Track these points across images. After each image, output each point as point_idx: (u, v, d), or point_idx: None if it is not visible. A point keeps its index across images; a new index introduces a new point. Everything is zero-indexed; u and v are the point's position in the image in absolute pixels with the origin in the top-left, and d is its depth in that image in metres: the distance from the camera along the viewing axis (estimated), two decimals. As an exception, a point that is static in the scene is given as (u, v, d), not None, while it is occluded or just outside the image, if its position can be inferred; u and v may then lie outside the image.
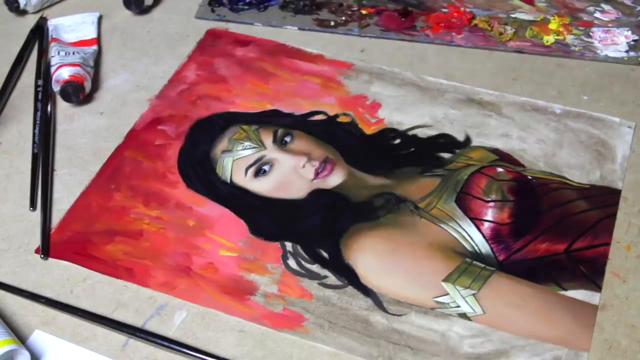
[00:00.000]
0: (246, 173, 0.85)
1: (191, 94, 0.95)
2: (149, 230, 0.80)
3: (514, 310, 0.73)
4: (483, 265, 0.76)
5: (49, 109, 0.93)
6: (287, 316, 0.73)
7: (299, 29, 1.03)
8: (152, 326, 0.73)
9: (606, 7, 1.05)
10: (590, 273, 0.76)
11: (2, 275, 0.77)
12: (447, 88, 0.94)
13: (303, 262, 0.77)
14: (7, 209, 0.83)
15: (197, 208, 0.82)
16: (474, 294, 0.74)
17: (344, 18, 1.05)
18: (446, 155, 0.87)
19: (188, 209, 0.82)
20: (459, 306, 0.73)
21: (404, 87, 0.95)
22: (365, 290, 0.75)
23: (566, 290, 0.75)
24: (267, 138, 0.87)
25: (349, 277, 0.76)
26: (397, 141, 0.89)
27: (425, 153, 0.87)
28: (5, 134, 0.91)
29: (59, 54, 0.96)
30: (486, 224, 0.80)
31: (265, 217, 0.81)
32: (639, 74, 0.96)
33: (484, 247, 0.78)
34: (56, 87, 0.93)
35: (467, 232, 0.79)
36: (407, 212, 0.81)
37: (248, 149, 0.86)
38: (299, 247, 0.78)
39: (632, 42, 1.00)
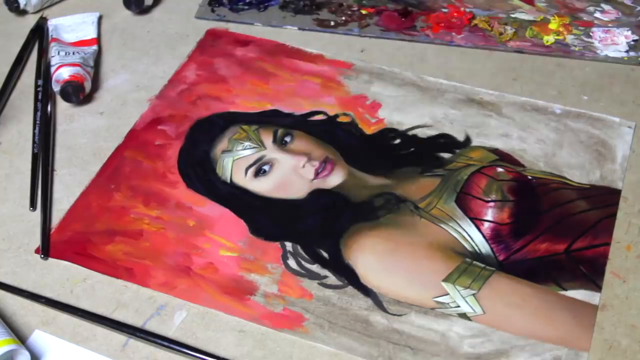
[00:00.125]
0: (246, 173, 0.85)
1: (191, 94, 0.95)
2: (149, 230, 0.80)
3: (514, 310, 0.73)
4: (483, 265, 0.76)
5: (49, 109, 0.93)
6: (287, 316, 0.73)
7: (299, 29, 1.04)
8: (152, 326, 0.73)
9: (606, 7, 1.05)
10: (590, 273, 0.76)
11: (2, 275, 0.77)
12: (447, 88, 0.94)
13: (303, 262, 0.77)
14: (7, 209, 0.83)
15: (197, 208, 0.82)
16: (474, 294, 0.74)
17: (344, 18, 1.05)
18: (446, 155, 0.87)
19: (188, 209, 0.82)
20: (459, 306, 0.73)
21: (404, 87, 0.95)
22: (365, 290, 0.75)
23: (566, 290, 0.75)
24: (267, 138, 0.87)
25: (349, 277, 0.76)
26: (397, 141, 0.89)
27: (425, 153, 0.87)
28: (5, 134, 0.91)
29: (59, 54, 0.96)
30: (486, 224, 0.80)
31: (265, 217, 0.81)
32: (639, 74, 0.96)
33: (484, 247, 0.78)
34: (56, 87, 0.93)
35: (467, 232, 0.79)
36: (407, 212, 0.81)
37: (248, 149, 0.86)
38: (299, 247, 0.78)
39: (632, 42, 1.00)
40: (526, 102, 0.93)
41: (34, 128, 0.89)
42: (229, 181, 0.85)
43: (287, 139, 0.87)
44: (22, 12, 1.06)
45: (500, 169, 0.85)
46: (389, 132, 0.90)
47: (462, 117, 0.91)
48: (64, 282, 0.76)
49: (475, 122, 0.90)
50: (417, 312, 0.73)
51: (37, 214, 0.82)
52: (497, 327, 0.72)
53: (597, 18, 1.03)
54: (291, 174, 0.84)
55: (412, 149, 0.88)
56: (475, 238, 0.78)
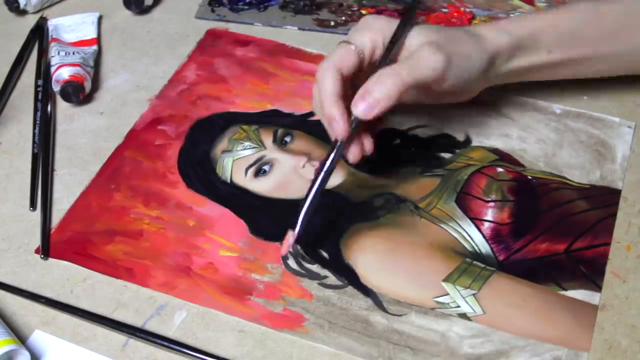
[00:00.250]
0: (246, 173, 0.85)
1: (191, 94, 0.95)
2: (149, 230, 0.80)
3: (514, 310, 0.73)
4: (483, 265, 0.76)
5: (49, 109, 0.93)
6: (287, 316, 0.73)
7: (299, 29, 1.04)
8: (152, 326, 0.73)
9: (606, 7, 1.05)
10: (590, 273, 0.76)
11: (2, 275, 0.77)
12: (447, 88, 0.94)
13: (303, 262, 0.77)
14: (7, 209, 0.83)
15: (197, 208, 0.82)
16: (474, 294, 0.74)
17: (344, 18, 1.05)
18: (446, 155, 0.87)
19: (188, 209, 0.82)
20: (459, 306, 0.73)
21: (404, 87, 0.95)
22: (365, 290, 0.75)
23: (566, 290, 0.75)
24: (267, 138, 0.87)
25: (349, 277, 0.76)
26: (397, 141, 0.89)
27: (425, 153, 0.87)
28: (5, 134, 0.91)
29: (59, 54, 0.96)
30: (486, 224, 0.80)
31: (265, 217, 0.81)
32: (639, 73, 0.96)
33: (484, 247, 0.78)
34: (56, 87, 0.93)
35: (467, 232, 0.79)
36: (407, 212, 0.81)
37: (248, 149, 0.86)
38: (299, 247, 0.78)
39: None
40: (526, 102, 0.93)
41: (34, 128, 0.89)
42: (229, 181, 0.85)
43: (287, 139, 0.87)
44: (22, 12, 1.06)
45: (500, 169, 0.85)
46: (389, 132, 0.90)
47: (462, 117, 0.91)
48: (64, 282, 0.76)
49: (475, 122, 0.90)
50: (417, 312, 0.73)
51: (37, 214, 0.82)
52: (497, 327, 0.72)
53: (597, 18, 1.03)
54: (291, 174, 0.84)
55: (412, 149, 0.88)
56: (475, 238, 0.78)
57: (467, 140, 0.89)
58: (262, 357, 0.70)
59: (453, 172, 0.85)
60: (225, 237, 0.80)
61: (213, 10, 1.06)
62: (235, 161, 0.86)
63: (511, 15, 1.04)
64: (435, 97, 0.81)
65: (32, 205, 0.83)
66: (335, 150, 0.74)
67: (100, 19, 1.05)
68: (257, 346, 0.71)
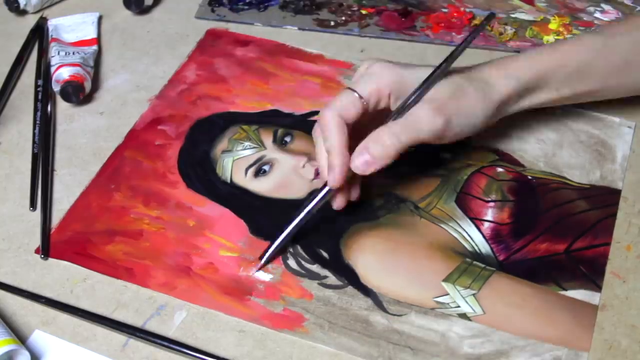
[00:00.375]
0: (246, 173, 0.85)
1: (191, 94, 0.95)
2: (149, 230, 0.80)
3: (514, 310, 0.73)
4: (483, 265, 0.76)
5: (49, 109, 0.93)
6: (287, 316, 0.73)
7: (299, 29, 1.04)
8: (152, 326, 0.73)
9: (606, 7, 1.05)
10: (590, 273, 0.76)
11: (2, 275, 0.77)
12: (447, 88, 0.94)
13: (303, 262, 0.77)
14: (7, 209, 0.83)
15: (197, 208, 0.82)
16: (474, 294, 0.74)
17: (344, 18, 1.05)
18: (446, 155, 0.87)
19: (188, 209, 0.82)
20: (459, 306, 0.73)
21: (404, 87, 0.95)
22: (365, 290, 0.75)
23: (566, 290, 0.75)
24: (267, 138, 0.87)
25: (349, 277, 0.76)
26: (397, 141, 0.89)
27: (425, 153, 0.87)
28: (5, 134, 0.91)
29: (59, 54, 0.96)
30: (486, 224, 0.80)
31: (266, 217, 0.81)
32: (639, 74, 0.96)
33: (484, 247, 0.78)
34: (56, 87, 0.93)
35: (467, 232, 0.79)
36: (407, 212, 0.81)
37: (248, 149, 0.86)
38: (299, 247, 0.78)
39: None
40: (526, 102, 0.93)
41: (34, 128, 0.89)
42: (229, 181, 0.85)
43: (287, 139, 0.87)
44: (22, 12, 1.06)
45: (500, 169, 0.85)
46: (389, 132, 0.89)
47: (462, 117, 0.91)
48: (64, 282, 0.76)
49: (475, 122, 0.90)
50: (417, 312, 0.73)
51: (37, 214, 0.82)
52: (497, 327, 0.72)
53: (597, 18, 1.03)
54: (291, 174, 0.84)
55: (412, 149, 0.88)
56: (475, 238, 0.78)
57: (467, 140, 0.88)
58: (262, 357, 0.70)
59: (453, 172, 0.85)
60: (225, 237, 0.80)
61: (213, 10, 1.06)
62: (235, 161, 0.86)
63: (511, 14, 1.04)
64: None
65: (32, 205, 0.83)
66: (322, 195, 0.75)
67: (100, 19, 1.05)
68: (257, 346, 0.71)
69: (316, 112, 0.92)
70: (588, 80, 0.81)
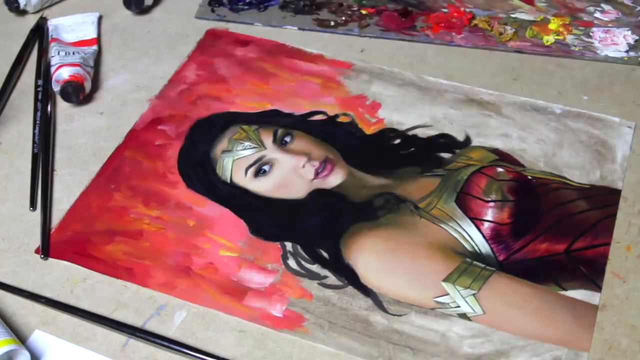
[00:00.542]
0: (246, 173, 0.85)
1: (191, 94, 0.95)
2: (149, 230, 0.80)
3: (514, 310, 0.73)
4: (483, 265, 0.76)
5: (49, 109, 0.93)
6: (287, 316, 0.73)
7: (299, 29, 1.03)
8: (152, 326, 0.73)
9: (606, 7, 1.05)
10: (590, 273, 0.76)
11: (2, 275, 0.77)
12: (447, 88, 0.94)
13: (303, 262, 0.77)
14: (7, 209, 0.83)
15: (197, 208, 0.82)
16: (474, 294, 0.74)
17: (344, 18, 1.05)
18: (446, 155, 0.87)
19: (188, 209, 0.82)
20: (459, 306, 0.73)
21: (404, 87, 0.95)
22: (365, 290, 0.75)
23: (566, 290, 0.75)
24: (267, 138, 0.87)
25: (349, 277, 0.76)
26: (397, 141, 0.89)
27: (425, 153, 0.87)
28: (5, 134, 0.91)
29: (59, 54, 0.96)
30: (486, 224, 0.80)
31: (265, 217, 0.81)
32: (639, 74, 0.96)
33: (484, 247, 0.78)
34: (56, 87, 0.93)
35: (467, 232, 0.79)
36: (407, 212, 0.81)
37: (248, 149, 0.86)
38: (299, 247, 0.78)
39: (632, 42, 1.00)
40: (526, 102, 0.93)
41: (34, 128, 0.89)
42: (229, 181, 0.85)
43: (287, 139, 0.87)
44: (22, 12, 1.06)
45: (500, 169, 0.85)
46: (389, 132, 0.90)
47: (462, 117, 0.91)
48: (64, 282, 0.76)
49: (475, 122, 0.90)
50: (417, 312, 0.73)
51: (37, 214, 0.82)
52: (497, 327, 0.72)
53: (597, 18, 1.03)
54: (291, 174, 0.84)
55: (412, 149, 0.88)
56: (475, 238, 0.78)
57: (467, 140, 0.88)
58: (262, 357, 0.70)
59: (453, 172, 0.85)
60: (225, 237, 0.80)
61: (213, 10, 1.06)
62: (235, 161, 0.86)
63: (511, 14, 1.04)
64: None
65: (32, 205, 0.83)
66: None
67: (100, 19, 1.05)
68: (257, 346, 0.71)
69: (316, 112, 0.92)
70: None
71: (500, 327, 0.72)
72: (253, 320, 0.73)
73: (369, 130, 0.90)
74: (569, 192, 0.83)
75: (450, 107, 0.92)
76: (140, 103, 0.94)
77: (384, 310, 0.73)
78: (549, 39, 1.00)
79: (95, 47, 1.00)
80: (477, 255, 0.77)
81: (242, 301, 0.74)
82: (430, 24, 1.03)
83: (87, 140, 0.90)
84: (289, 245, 0.79)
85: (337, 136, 0.89)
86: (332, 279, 0.76)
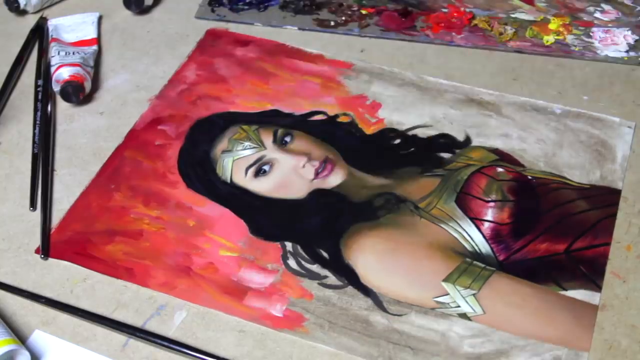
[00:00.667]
0: (246, 173, 0.85)
1: (191, 94, 0.95)
2: (149, 230, 0.80)
3: (514, 310, 0.73)
4: (483, 265, 0.76)
5: (49, 109, 0.93)
6: (287, 316, 0.73)
7: (299, 29, 1.04)
8: (152, 326, 0.73)
9: (606, 7, 1.05)
10: (590, 273, 0.76)
11: (2, 275, 0.77)
12: (447, 88, 0.95)
13: (303, 262, 0.77)
14: (7, 209, 0.83)
15: (197, 208, 0.82)
16: (474, 294, 0.74)
17: (344, 18, 1.05)
18: (446, 155, 0.87)
19: (188, 209, 0.82)
20: (459, 306, 0.73)
21: (404, 87, 0.95)
22: (365, 290, 0.75)
23: (566, 290, 0.75)
24: (267, 138, 0.87)
25: (349, 277, 0.76)
26: (397, 141, 0.89)
27: (425, 153, 0.87)
28: (5, 134, 0.91)
29: (59, 54, 0.96)
30: (486, 224, 0.80)
31: (265, 217, 0.81)
32: (639, 74, 0.96)
33: (484, 247, 0.78)
34: (56, 87, 0.93)
35: (467, 232, 0.79)
36: (407, 212, 0.81)
37: (248, 149, 0.86)
38: (299, 247, 0.78)
39: (632, 42, 1.00)
40: (526, 102, 0.93)
41: (34, 128, 0.89)
42: (229, 181, 0.85)
43: (287, 139, 0.87)
44: (22, 12, 1.06)
45: (500, 169, 0.85)
46: (389, 132, 0.90)
47: (462, 117, 0.91)
48: (64, 282, 0.76)
49: (475, 122, 0.90)
50: (417, 312, 0.73)
51: (37, 214, 0.82)
52: (497, 327, 0.72)
53: (597, 18, 1.03)
54: (291, 174, 0.84)
55: (412, 149, 0.88)
56: (475, 238, 0.78)
57: (467, 140, 0.88)
58: (262, 357, 0.70)
59: (453, 172, 0.85)
60: (225, 237, 0.80)
61: (213, 10, 1.06)
62: (235, 161, 0.86)
63: (511, 14, 1.04)
64: None
65: (32, 205, 0.83)
66: None
67: (100, 19, 1.05)
68: (257, 346, 0.71)
69: (316, 112, 0.92)
70: None
71: (500, 327, 0.72)
72: (253, 320, 0.73)
73: (369, 130, 0.90)
74: (569, 192, 0.83)
75: (450, 107, 0.92)
76: (140, 103, 0.94)
77: (384, 310, 0.73)
78: (549, 39, 1.00)
79: (95, 47, 1.00)
80: (477, 255, 0.77)
81: (242, 301, 0.74)
82: (430, 24, 1.03)
83: (87, 140, 0.90)
84: (289, 245, 0.79)
85: (337, 136, 0.89)
86: (332, 279, 0.76)
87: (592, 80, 0.96)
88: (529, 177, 0.84)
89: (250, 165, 0.85)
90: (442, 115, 0.91)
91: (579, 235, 0.78)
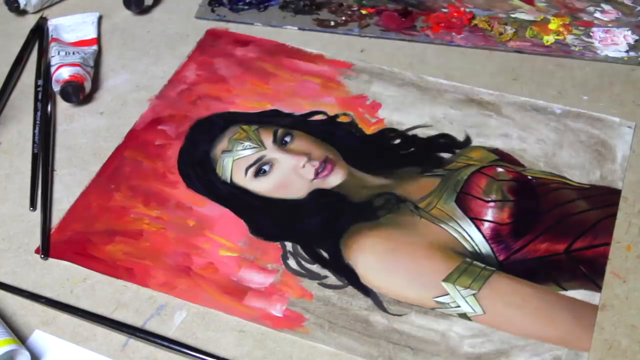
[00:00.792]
0: (246, 173, 0.85)
1: (191, 94, 0.95)
2: (149, 230, 0.80)
3: (514, 310, 0.73)
4: (483, 265, 0.76)
5: (49, 109, 0.93)
6: (287, 316, 0.73)
7: (299, 29, 1.04)
8: (152, 326, 0.73)
9: (606, 7, 1.05)
10: (590, 273, 0.76)
11: (2, 275, 0.77)
12: (447, 88, 0.95)
13: (303, 262, 0.77)
14: (7, 209, 0.83)
15: (197, 208, 0.82)
16: (474, 294, 0.74)
17: (344, 18, 1.05)
18: (446, 155, 0.87)
19: (188, 209, 0.82)
20: (459, 306, 0.73)
21: (404, 87, 0.95)
22: (365, 290, 0.75)
23: (566, 290, 0.75)
24: (267, 138, 0.87)
25: (349, 277, 0.76)
26: (397, 141, 0.89)
27: (425, 153, 0.87)
28: (5, 134, 0.91)
29: (59, 54, 0.96)
30: (486, 224, 0.80)
31: (265, 217, 0.81)
32: (639, 74, 0.96)
33: (484, 247, 0.78)
34: (56, 87, 0.93)
35: (467, 232, 0.79)
36: (407, 212, 0.81)
37: (248, 149, 0.86)
38: (299, 247, 0.78)
39: (632, 42, 1.00)
40: (526, 102, 0.93)
41: (34, 128, 0.89)
42: (229, 181, 0.85)
43: (287, 139, 0.87)
44: (22, 12, 1.06)
45: (500, 169, 0.85)
46: (389, 132, 0.90)
47: (462, 117, 0.91)
48: (64, 282, 0.76)
49: (475, 122, 0.90)
50: (417, 312, 0.73)
51: (37, 214, 0.82)
52: (497, 327, 0.72)
53: (597, 18, 1.04)
54: (291, 174, 0.84)
55: (412, 149, 0.88)
56: (475, 238, 0.78)
57: (467, 140, 0.88)
58: (262, 357, 0.70)
59: (453, 172, 0.85)
60: (225, 237, 0.80)
61: (213, 10, 1.06)
62: (235, 161, 0.86)
63: (511, 14, 1.04)
64: None
65: (32, 205, 0.83)
66: None
67: (100, 19, 1.05)
68: (257, 346, 0.71)
69: (316, 112, 0.92)
70: None
71: (500, 327, 0.72)
72: (253, 320, 0.73)
73: (369, 130, 0.90)
74: (569, 192, 0.83)
75: (450, 107, 0.92)
76: (140, 103, 0.94)
77: (384, 310, 0.73)
78: (549, 39, 1.00)
79: (95, 47, 1.00)
80: (477, 255, 0.77)
81: (242, 301, 0.74)
82: (430, 24, 1.03)
83: (87, 140, 0.90)
84: (289, 245, 0.79)
85: (337, 136, 0.89)
86: (332, 279, 0.76)
87: (592, 80, 0.96)
88: (529, 177, 0.84)
89: (250, 165, 0.85)
90: (442, 115, 0.91)
91: (579, 235, 0.78)
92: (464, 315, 0.73)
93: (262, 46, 1.01)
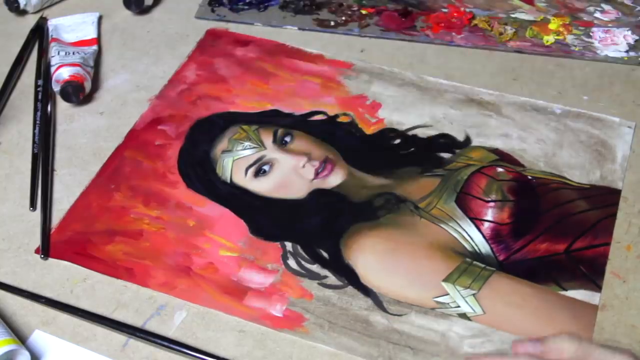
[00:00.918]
0: (246, 173, 0.85)
1: (191, 94, 0.95)
2: (149, 230, 0.80)
3: (514, 310, 0.73)
4: (483, 265, 0.76)
5: (49, 109, 0.93)
6: (287, 316, 0.73)
7: (299, 29, 1.03)
8: (152, 326, 0.72)
9: (606, 7, 1.05)
10: (590, 273, 0.76)
11: (2, 275, 0.77)
12: (447, 88, 0.95)
13: (303, 262, 0.77)
14: (7, 209, 0.83)
15: (197, 208, 0.82)
16: (474, 294, 0.74)
17: (344, 18, 1.05)
18: (446, 155, 0.87)
19: (188, 209, 0.82)
20: (459, 306, 0.73)
21: (404, 87, 0.95)
22: (365, 290, 0.75)
23: (566, 290, 0.75)
24: (267, 138, 0.87)
25: (349, 277, 0.76)
26: (397, 141, 0.89)
27: (425, 153, 0.87)
28: (5, 134, 0.91)
29: (59, 54, 0.96)
30: (486, 224, 0.80)
31: (265, 217, 0.81)
32: (639, 74, 0.96)
33: (484, 247, 0.78)
34: (56, 87, 0.93)
35: (467, 232, 0.79)
36: (407, 212, 0.81)
37: (248, 149, 0.86)
38: (299, 247, 0.78)
39: (632, 42, 1.00)
40: (526, 102, 0.93)
41: (34, 128, 0.89)
42: (229, 181, 0.85)
43: (287, 139, 0.87)
44: (22, 12, 1.06)
45: (500, 169, 0.85)
46: (389, 132, 0.90)
47: (462, 117, 0.91)
48: (64, 282, 0.76)
49: (475, 122, 0.90)
50: (417, 312, 0.73)
51: (37, 214, 0.82)
52: (497, 327, 0.72)
53: (597, 18, 1.04)
54: (291, 174, 0.84)
55: (412, 149, 0.88)
56: (475, 238, 0.78)
57: (467, 140, 0.88)
58: (262, 357, 0.70)
59: (453, 172, 0.85)
60: (225, 237, 0.80)
61: (213, 10, 1.06)
62: (235, 161, 0.86)
63: (511, 14, 1.04)
64: None
65: (32, 205, 0.83)
66: None
67: (100, 19, 1.05)
68: (257, 346, 0.71)
69: (316, 112, 0.92)
70: None
71: (500, 327, 0.72)
72: (253, 320, 0.73)
73: (369, 130, 0.90)
74: (569, 192, 0.83)
75: (450, 107, 0.92)
76: (140, 103, 0.94)
77: (384, 310, 0.73)
78: (549, 39, 1.00)
79: (95, 47, 1.00)
80: (477, 255, 0.77)
81: (242, 301, 0.74)
82: (430, 24, 1.03)
83: (87, 140, 0.90)
84: (289, 245, 0.79)
85: (337, 136, 0.89)
86: (332, 279, 0.76)
87: (592, 80, 0.96)
88: (529, 177, 0.84)
89: (250, 165, 0.85)
90: (442, 115, 0.91)
91: (579, 235, 0.78)
92: (464, 315, 0.73)
93: (262, 46, 1.01)
